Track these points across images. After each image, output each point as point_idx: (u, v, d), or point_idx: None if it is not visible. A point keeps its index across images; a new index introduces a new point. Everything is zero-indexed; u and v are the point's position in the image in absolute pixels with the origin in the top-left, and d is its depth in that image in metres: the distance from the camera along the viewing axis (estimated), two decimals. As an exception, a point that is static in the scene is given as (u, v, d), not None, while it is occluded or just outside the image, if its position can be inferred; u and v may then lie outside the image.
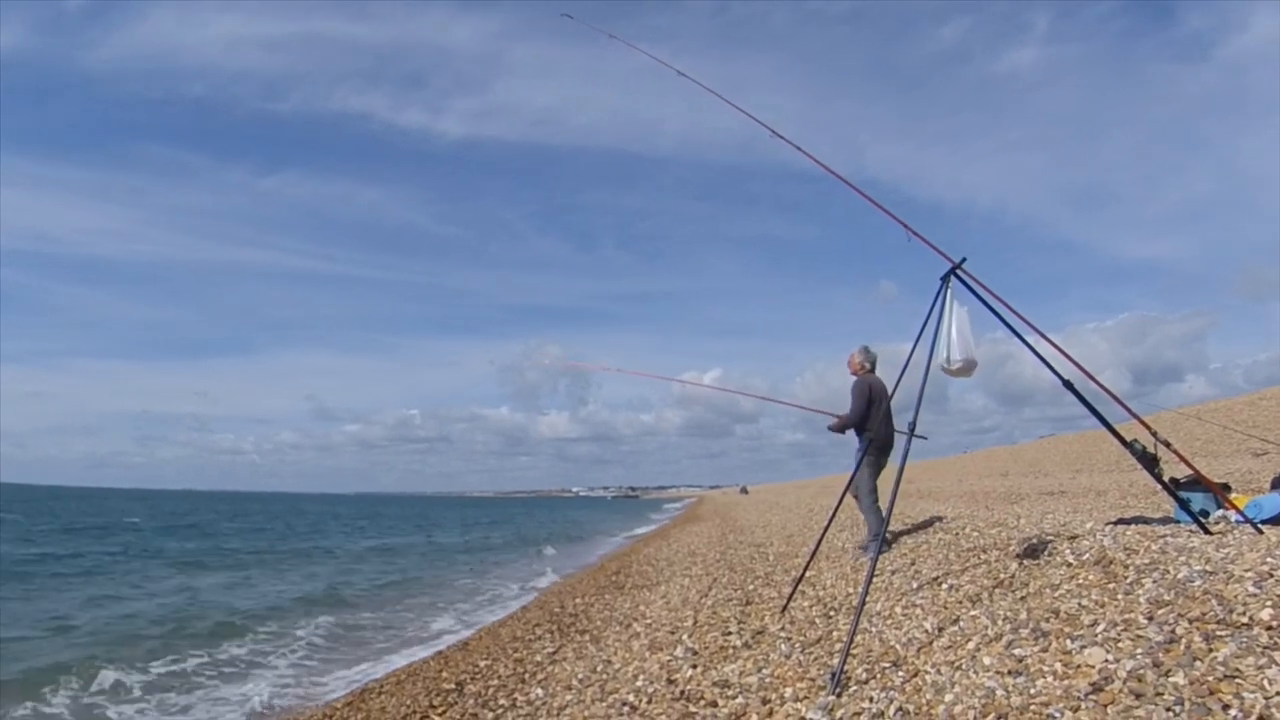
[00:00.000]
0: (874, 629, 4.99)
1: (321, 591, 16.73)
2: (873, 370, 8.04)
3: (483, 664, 8.28)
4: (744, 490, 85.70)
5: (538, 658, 8.07)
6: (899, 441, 5.65)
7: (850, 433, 7.96)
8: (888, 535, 7.90)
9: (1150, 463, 5.24)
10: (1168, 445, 5.22)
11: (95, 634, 11.63)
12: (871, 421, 7.66)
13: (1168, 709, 2.66)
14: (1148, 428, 5.24)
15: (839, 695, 4.05)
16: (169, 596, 15.64)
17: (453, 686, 7.41)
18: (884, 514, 7.30)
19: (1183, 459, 5.26)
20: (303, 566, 22.53)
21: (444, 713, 6.58)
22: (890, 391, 5.44)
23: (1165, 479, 5.32)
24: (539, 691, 6.51)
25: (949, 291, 4.69)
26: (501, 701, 6.53)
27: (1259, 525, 5.03)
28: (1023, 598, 4.46)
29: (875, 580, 6.24)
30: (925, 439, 6.81)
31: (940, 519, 9.08)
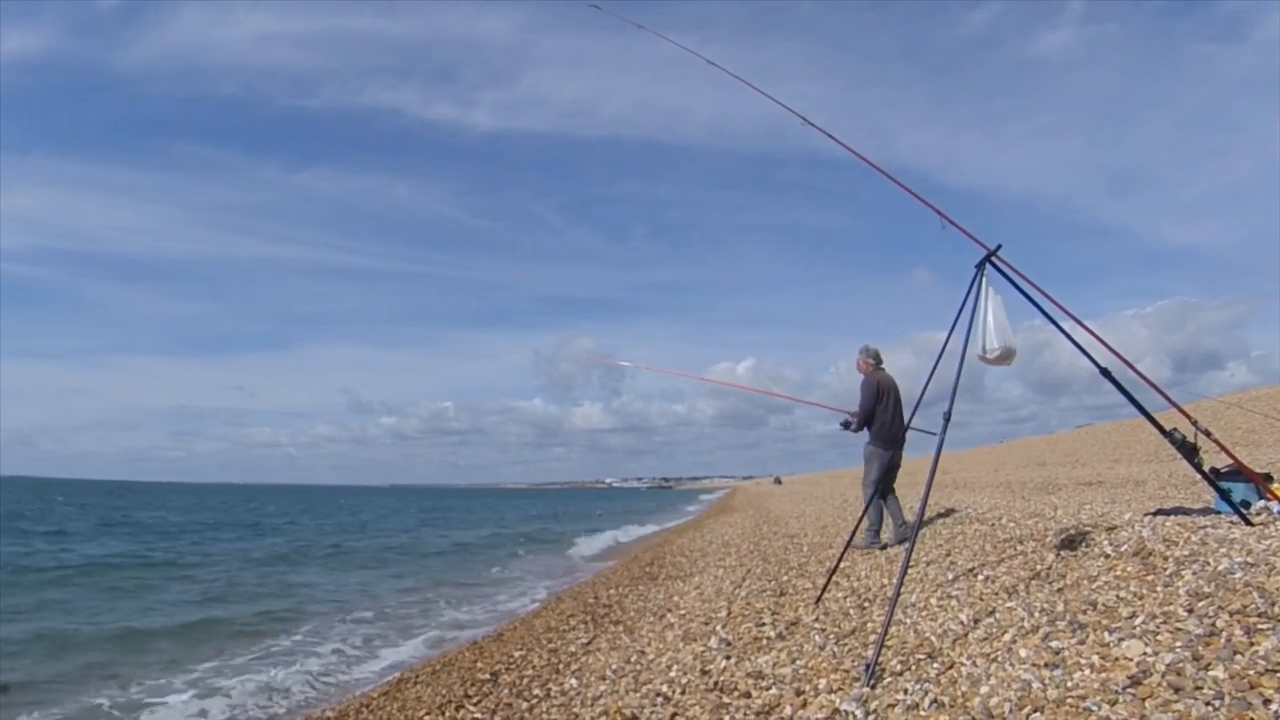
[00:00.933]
0: (909, 620, 4.97)
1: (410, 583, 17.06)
2: (878, 366, 8.50)
3: (517, 654, 8.34)
4: (778, 481, 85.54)
5: (572, 648, 8.11)
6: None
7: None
8: (896, 524, 8.56)
9: (1190, 452, 5.15)
10: (1208, 434, 5.14)
11: (160, 628, 11.94)
12: (879, 417, 8.27)
13: (1207, 703, 2.63)
14: (1187, 416, 5.17)
15: (873, 687, 4.03)
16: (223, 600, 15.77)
17: (487, 677, 7.48)
18: (882, 508, 7.50)
19: (1223, 448, 5.18)
20: (394, 563, 22.12)
21: (479, 702, 6.63)
22: (924, 383, 5.40)
23: (1205, 469, 5.23)
24: (573, 682, 6.55)
25: (984, 279, 4.64)
26: (536, 692, 6.58)
27: (1303, 516, 4.94)
28: (1060, 589, 4.42)
29: (910, 571, 6.21)
30: (933, 434, 7.02)
31: (976, 510, 9.02)
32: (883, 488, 8.52)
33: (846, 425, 8.40)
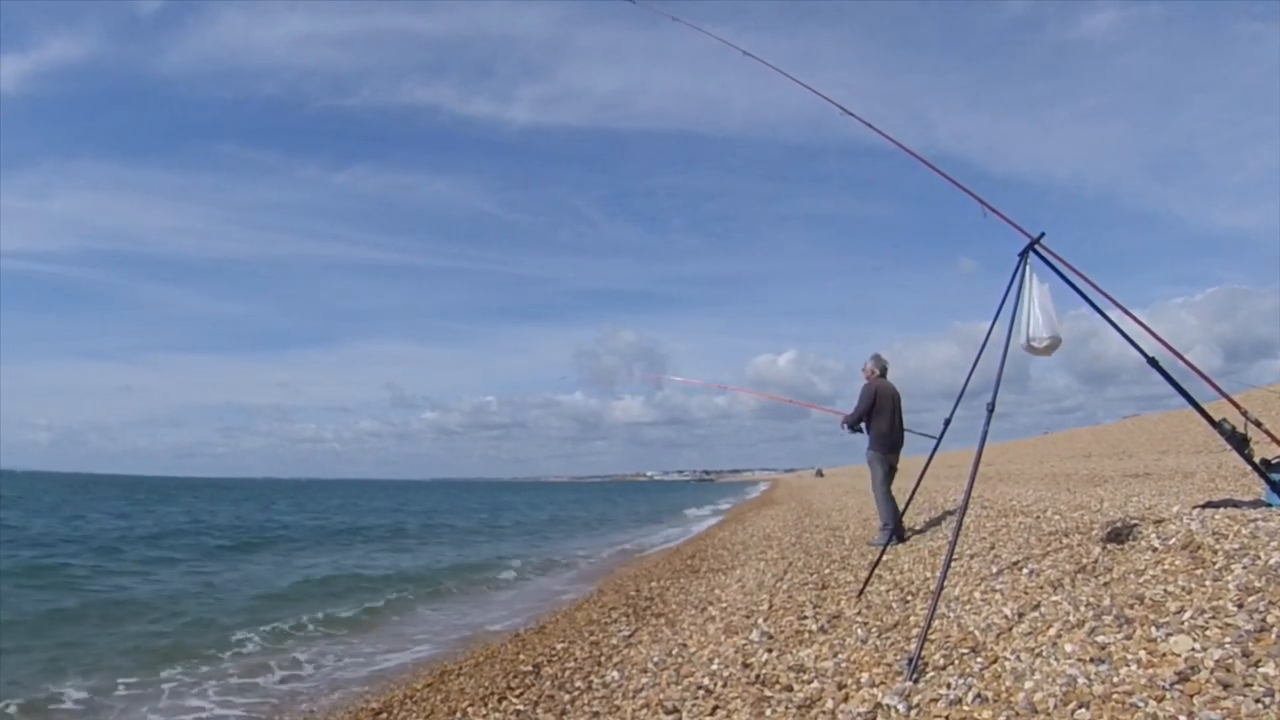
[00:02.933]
0: (952, 614, 4.93)
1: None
2: (883, 376, 9.18)
3: (559, 647, 8.40)
4: (819, 473, 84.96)
5: (613, 641, 8.16)
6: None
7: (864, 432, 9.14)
8: (907, 528, 8.89)
9: (1240, 443, 5.05)
10: (1259, 425, 5.03)
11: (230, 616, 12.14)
12: (875, 422, 8.98)
13: (1257, 700, 2.59)
14: (1237, 406, 5.07)
15: (916, 681, 4.02)
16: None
17: (530, 669, 7.54)
18: (897, 506, 7.60)
19: (1275, 439, 5.07)
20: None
21: (521, 694, 6.70)
22: (968, 373, 5.31)
23: (1256, 460, 5.13)
24: (614, 674, 6.59)
25: (1028, 268, 4.58)
26: (578, 684, 6.63)
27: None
28: (1106, 583, 4.37)
29: (954, 565, 6.17)
30: (931, 437, 7.22)
31: (1020, 502, 8.92)
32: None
33: (854, 428, 9.07)
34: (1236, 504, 5.88)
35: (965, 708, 3.45)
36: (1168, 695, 2.82)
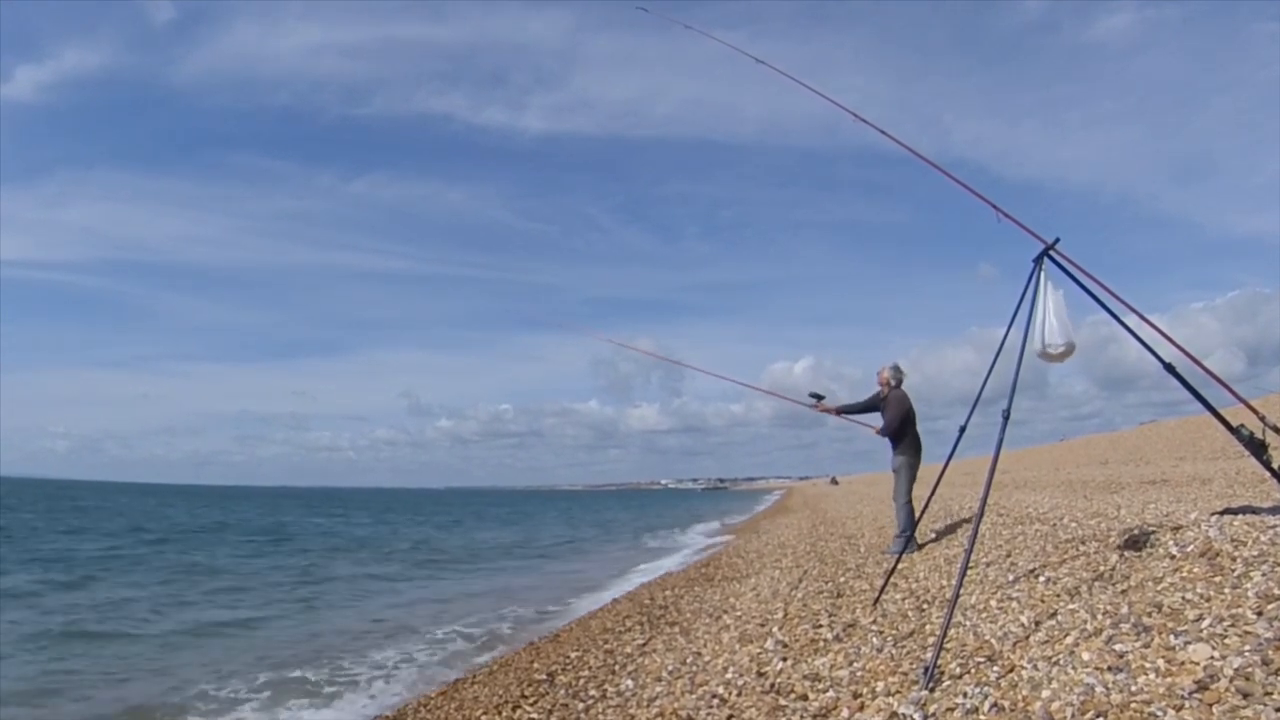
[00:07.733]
0: (968, 623, 4.90)
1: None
2: (898, 386, 9.23)
3: (573, 655, 8.40)
4: (834, 481, 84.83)
5: (628, 649, 8.15)
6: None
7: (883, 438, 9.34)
8: (916, 535, 8.99)
9: (1258, 449, 5.00)
10: (1277, 430, 4.99)
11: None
12: (905, 429, 9.13)
13: (1277, 709, 2.56)
14: (1255, 412, 5.02)
15: (932, 690, 3.99)
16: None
17: (544, 677, 7.54)
18: (914, 514, 7.62)
19: (1294, 445, 5.03)
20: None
21: (535, 703, 6.70)
22: (983, 379, 5.27)
23: (1274, 466, 5.08)
24: (629, 683, 6.58)
25: (1043, 274, 4.56)
26: (592, 692, 6.62)
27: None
28: (1123, 591, 4.33)
29: (970, 572, 6.13)
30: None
31: (1037, 509, 8.86)
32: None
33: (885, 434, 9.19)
34: (1255, 510, 5.82)
35: (981, 717, 3.43)
36: (1186, 704, 2.79)
